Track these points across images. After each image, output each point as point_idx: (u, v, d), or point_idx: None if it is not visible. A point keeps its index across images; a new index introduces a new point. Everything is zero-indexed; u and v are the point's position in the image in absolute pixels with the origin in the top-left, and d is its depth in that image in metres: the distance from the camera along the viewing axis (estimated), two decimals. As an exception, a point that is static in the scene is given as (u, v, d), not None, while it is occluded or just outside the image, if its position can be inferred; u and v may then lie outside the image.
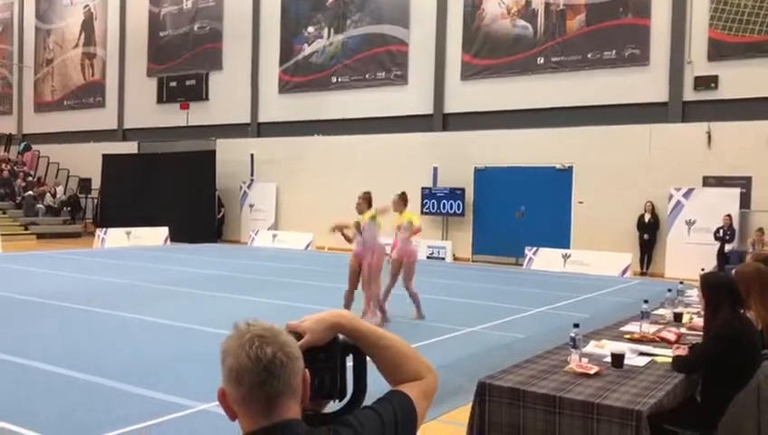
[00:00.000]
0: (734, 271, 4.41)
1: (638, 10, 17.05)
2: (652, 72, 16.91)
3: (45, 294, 10.73)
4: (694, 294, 6.30)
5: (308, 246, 21.07)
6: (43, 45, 30.22)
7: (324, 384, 1.43)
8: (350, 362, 1.50)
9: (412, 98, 20.36)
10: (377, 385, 1.58)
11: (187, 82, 25.31)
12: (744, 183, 15.51)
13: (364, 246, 8.54)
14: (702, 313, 4.53)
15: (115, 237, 20.76)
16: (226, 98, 24.17)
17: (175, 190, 22.56)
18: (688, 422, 3.72)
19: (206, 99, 24.89)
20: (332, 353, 1.46)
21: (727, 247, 15.01)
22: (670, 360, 3.88)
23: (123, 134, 27.46)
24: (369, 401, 1.51)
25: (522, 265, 17.64)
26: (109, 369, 6.47)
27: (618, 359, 3.83)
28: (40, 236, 22.79)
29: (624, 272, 16.07)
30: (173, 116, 25.52)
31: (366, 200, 8.56)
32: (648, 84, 16.90)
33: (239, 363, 1.28)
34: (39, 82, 30.44)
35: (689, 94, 16.48)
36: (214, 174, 22.90)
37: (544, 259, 17.26)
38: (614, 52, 17.36)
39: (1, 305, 10.05)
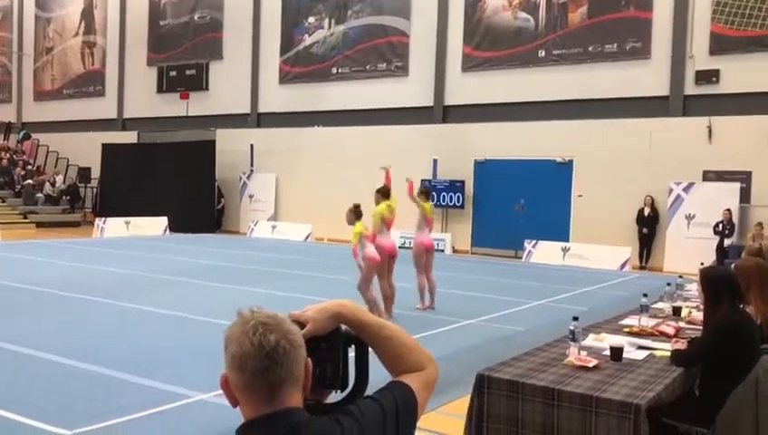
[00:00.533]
0: (733, 265, 4.42)
1: (640, 3, 16.99)
2: (653, 65, 16.87)
3: (44, 283, 10.74)
4: (693, 289, 6.31)
5: (307, 237, 21.07)
6: (43, 34, 30.11)
7: (326, 374, 1.43)
8: (351, 353, 1.51)
9: (413, 89, 20.32)
10: (378, 375, 1.58)
11: (188, 72, 25.25)
12: (744, 178, 15.50)
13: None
14: (701, 307, 4.54)
15: (114, 227, 20.75)
16: (226, 88, 24.12)
17: (174, 180, 22.53)
18: (687, 416, 3.73)
19: (206, 89, 24.83)
20: (335, 343, 1.46)
21: (727, 242, 15.02)
22: (669, 354, 3.89)
23: (123, 123, 27.41)
24: (370, 391, 1.51)
25: (521, 258, 17.65)
26: (108, 358, 6.48)
27: (617, 352, 3.84)
28: (39, 224, 22.79)
29: (623, 266, 16.09)
30: (173, 106, 25.47)
31: (354, 213, 8.43)
32: (649, 78, 16.86)
33: (242, 350, 1.29)
34: (39, 71, 30.34)
35: (690, 88, 16.45)
36: (213, 164, 22.87)
37: (544, 252, 17.27)
38: (615, 45, 17.31)
39: (1, 294, 10.06)
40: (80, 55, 28.84)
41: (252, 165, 23.31)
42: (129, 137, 26.26)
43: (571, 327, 3.83)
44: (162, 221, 21.86)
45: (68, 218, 24.50)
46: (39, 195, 24.58)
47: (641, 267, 16.33)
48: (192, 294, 10.56)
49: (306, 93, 22.32)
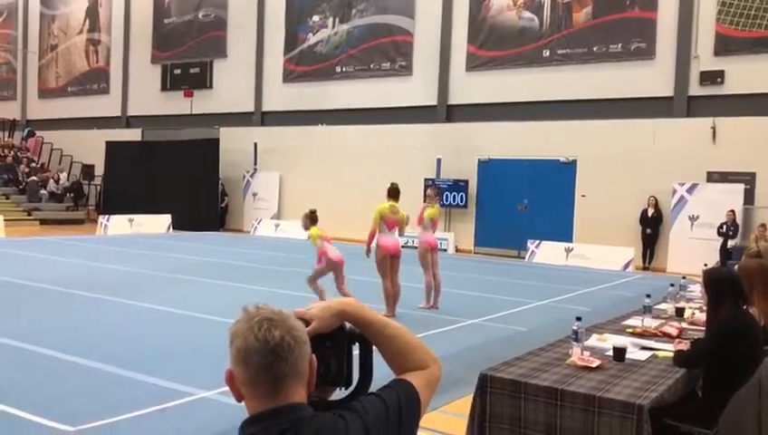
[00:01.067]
0: (736, 267, 4.41)
1: (645, 3, 16.97)
2: (658, 66, 16.84)
3: (47, 280, 10.76)
4: (696, 290, 6.30)
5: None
6: (48, 31, 30.17)
7: (330, 371, 1.44)
8: (356, 351, 1.51)
9: (416, 89, 20.31)
10: (381, 373, 1.59)
11: (192, 70, 25.29)
12: (749, 179, 15.47)
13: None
14: (704, 308, 4.53)
15: (118, 224, 20.80)
16: (230, 86, 24.14)
17: (178, 178, 22.55)
18: (690, 417, 3.73)
19: (210, 87, 24.87)
20: (339, 341, 1.47)
21: (730, 243, 14.99)
22: (672, 355, 3.89)
23: (127, 121, 27.45)
24: (373, 388, 1.51)
25: (524, 257, 17.64)
26: (110, 355, 6.49)
27: (619, 353, 3.84)
28: (43, 221, 22.85)
29: (626, 266, 16.07)
30: (177, 104, 25.50)
31: (309, 218, 8.87)
32: (653, 78, 16.83)
33: (247, 345, 1.30)
34: (43, 68, 30.41)
35: (695, 89, 16.42)
36: (217, 162, 22.89)
37: (547, 252, 17.26)
38: (620, 45, 17.29)
39: (3, 291, 10.09)
40: (84, 53, 28.90)
41: (255, 163, 23.33)
42: (134, 135, 26.29)
43: (575, 327, 3.83)
44: (166, 219, 21.90)
45: (72, 216, 24.55)
46: (43, 192, 24.64)
47: (644, 268, 16.31)
48: (195, 291, 10.57)
49: (310, 92, 22.33)
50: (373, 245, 8.99)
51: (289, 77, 22.97)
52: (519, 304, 10.38)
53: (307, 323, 1.42)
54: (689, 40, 16.40)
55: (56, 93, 29.81)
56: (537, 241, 17.50)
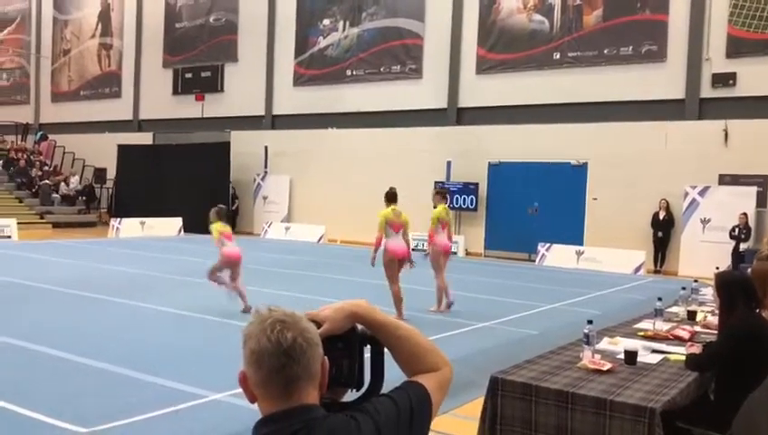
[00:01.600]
0: (749, 270, 4.39)
1: (656, 6, 16.90)
2: (669, 68, 16.77)
3: (59, 282, 10.84)
4: (708, 293, 6.28)
5: (320, 238, 21.12)
6: (61, 36, 30.40)
7: (342, 373, 1.45)
8: (367, 354, 1.52)
9: (426, 92, 20.32)
10: (393, 375, 1.59)
11: (203, 74, 25.40)
12: (761, 181, 15.36)
13: None
14: (716, 311, 4.51)
15: (129, 227, 20.92)
16: (241, 90, 24.24)
17: (189, 181, 22.65)
18: (702, 420, 3.71)
19: (221, 91, 24.97)
20: (351, 343, 1.47)
21: (742, 246, 14.87)
22: (684, 358, 3.87)
23: (139, 125, 27.61)
24: (385, 391, 1.52)
25: (534, 261, 17.59)
26: (121, 356, 6.53)
27: (631, 356, 3.83)
28: (55, 225, 23.00)
29: (637, 269, 15.99)
30: (188, 107, 25.63)
31: (216, 213, 9.37)
32: (664, 81, 16.76)
33: (260, 347, 1.31)
34: (56, 72, 30.64)
35: (707, 91, 16.33)
36: (228, 166, 22.98)
37: (557, 256, 17.21)
38: (631, 48, 17.23)
39: (14, 292, 10.18)
40: (96, 57, 29.09)
41: (266, 167, 23.40)
42: (145, 138, 26.45)
43: (586, 330, 3.82)
44: (177, 222, 22.00)
45: (84, 219, 24.71)
46: (55, 195, 24.80)
47: (656, 271, 16.23)
48: (205, 294, 10.59)
49: (320, 96, 22.38)
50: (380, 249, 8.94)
51: (299, 81, 23.04)
52: (529, 307, 10.35)
53: (319, 324, 1.43)
54: (701, 42, 16.32)
55: (69, 97, 30.03)
56: (548, 244, 17.45)
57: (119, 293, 10.13)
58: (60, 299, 9.75)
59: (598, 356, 3.81)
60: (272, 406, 1.33)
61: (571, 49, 18.05)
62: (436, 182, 19.18)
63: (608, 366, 3.64)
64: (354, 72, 21.84)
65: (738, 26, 15.93)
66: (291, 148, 22.60)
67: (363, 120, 21.23)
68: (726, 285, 3.87)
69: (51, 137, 29.43)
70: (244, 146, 23.12)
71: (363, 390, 1.49)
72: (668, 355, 4.03)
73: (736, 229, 14.99)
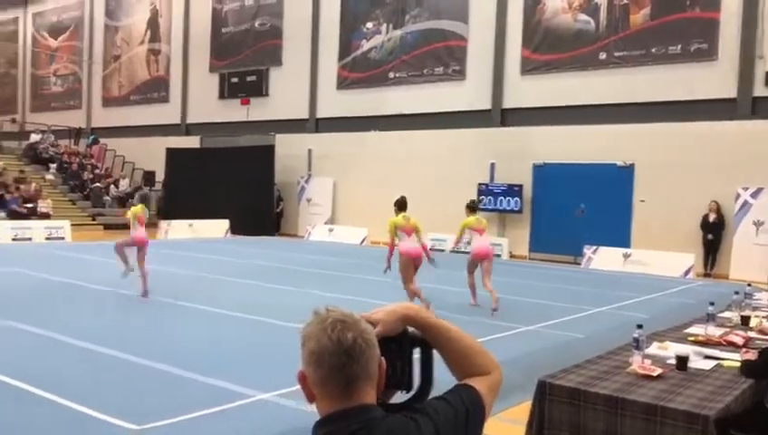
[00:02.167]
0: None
1: (707, 3, 16.50)
2: (720, 67, 16.35)
3: (111, 283, 11.10)
4: (763, 298, 6.11)
5: (363, 240, 21.20)
6: (112, 42, 31.24)
7: (396, 374, 1.46)
8: (416, 355, 1.53)
9: (470, 93, 20.23)
10: (441, 379, 1.60)
11: (248, 78, 25.78)
12: (818, 183, 14.87)
13: None
14: (772, 316, 4.38)
15: (178, 229, 21.33)
16: (286, 94, 24.51)
17: (235, 184, 23.01)
18: (756, 429, 3.61)
19: (266, 94, 25.30)
20: (403, 344, 1.49)
21: (798, 250, 14.42)
22: (738, 364, 3.78)
23: (186, 128, 28.16)
24: (434, 394, 1.52)
25: (580, 263, 17.34)
26: (170, 356, 6.67)
27: (682, 361, 3.76)
28: (106, 226, 23.59)
29: (686, 273, 15.63)
30: (234, 111, 26.04)
31: (140, 197, 11.06)
32: (715, 80, 16.35)
33: (321, 346, 1.33)
34: (107, 78, 31.48)
35: (760, 90, 15.87)
36: (273, 168, 23.28)
37: (604, 258, 16.93)
38: (679, 46, 16.86)
39: (68, 292, 10.48)
40: (145, 62, 29.80)
41: (310, 169, 23.62)
42: (192, 142, 26.96)
43: (636, 335, 3.76)
44: (224, 224, 22.36)
45: (133, 221, 25.21)
46: (106, 197, 25.45)
47: (706, 275, 15.83)
48: (253, 295, 10.76)
49: (363, 98, 22.48)
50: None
51: (343, 84, 23.19)
52: (575, 310, 10.21)
53: (372, 326, 1.44)
54: (753, 39, 15.87)
55: (119, 102, 30.82)
56: (594, 247, 17.19)
57: (170, 294, 10.34)
58: (112, 300, 10.01)
59: (647, 361, 3.74)
60: (331, 405, 1.35)
61: (618, 49, 17.76)
62: (480, 184, 19.12)
63: (658, 371, 3.58)
64: (397, 75, 21.88)
65: (793, 23, 15.44)
66: (334, 150, 22.76)
67: (406, 123, 21.25)
68: (782, 289, 3.76)
69: (102, 141, 30.23)
70: (288, 149, 23.37)
71: (413, 392, 1.50)
72: (722, 361, 3.94)
73: (791, 232, 14.53)
